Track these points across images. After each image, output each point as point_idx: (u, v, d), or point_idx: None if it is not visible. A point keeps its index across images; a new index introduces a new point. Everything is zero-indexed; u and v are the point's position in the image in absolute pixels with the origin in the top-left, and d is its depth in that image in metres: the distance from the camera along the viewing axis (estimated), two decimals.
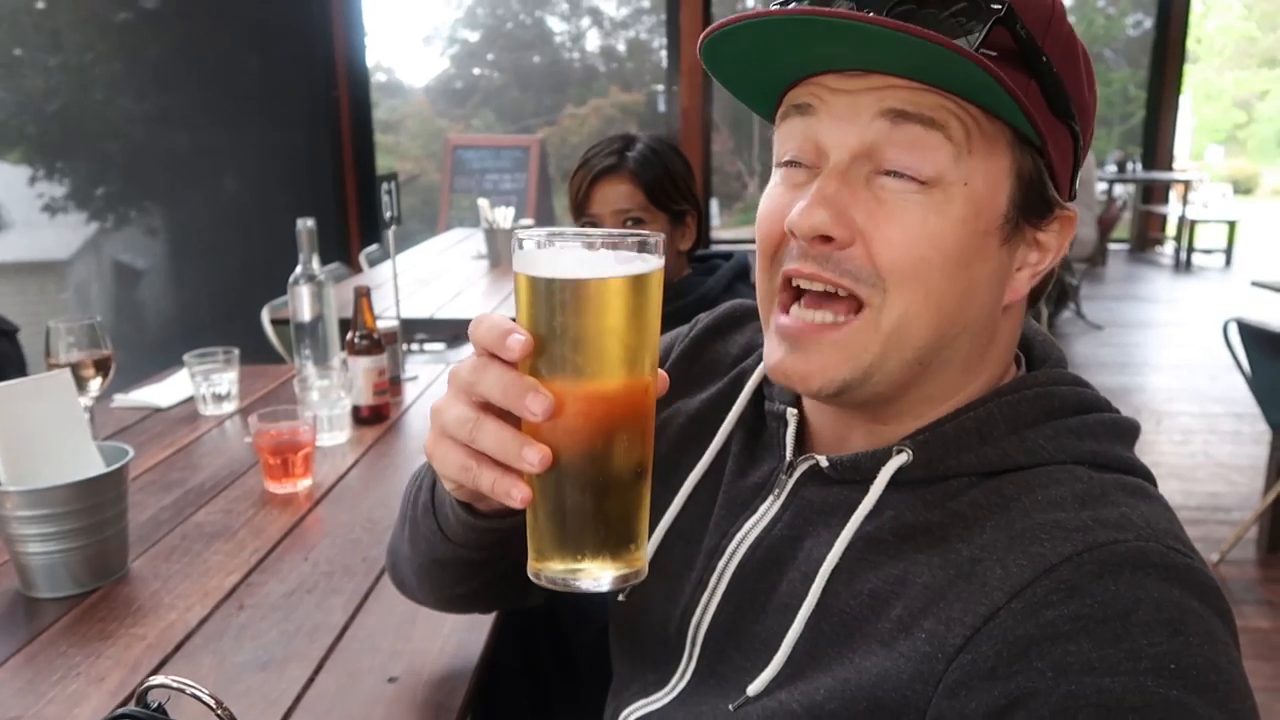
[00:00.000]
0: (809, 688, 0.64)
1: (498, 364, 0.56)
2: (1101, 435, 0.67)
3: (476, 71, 14.82)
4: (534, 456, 0.55)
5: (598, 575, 0.58)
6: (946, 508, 0.65)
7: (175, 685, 0.51)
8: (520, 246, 0.55)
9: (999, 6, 0.59)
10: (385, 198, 1.97)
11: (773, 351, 0.68)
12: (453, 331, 3.05)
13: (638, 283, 0.55)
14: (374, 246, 4.46)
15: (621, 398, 0.56)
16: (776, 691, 0.66)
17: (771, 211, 0.67)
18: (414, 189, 10.70)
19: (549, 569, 0.58)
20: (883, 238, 0.62)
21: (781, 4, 0.63)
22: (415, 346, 3.84)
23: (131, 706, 0.49)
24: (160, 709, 0.52)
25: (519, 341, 0.54)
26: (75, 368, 1.53)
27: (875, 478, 0.67)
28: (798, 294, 0.66)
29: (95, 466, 1.18)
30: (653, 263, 0.56)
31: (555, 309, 0.54)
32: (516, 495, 0.56)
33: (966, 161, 0.62)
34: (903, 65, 0.60)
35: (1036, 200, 0.65)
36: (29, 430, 1.15)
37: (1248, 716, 0.53)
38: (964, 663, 0.57)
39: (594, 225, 1.72)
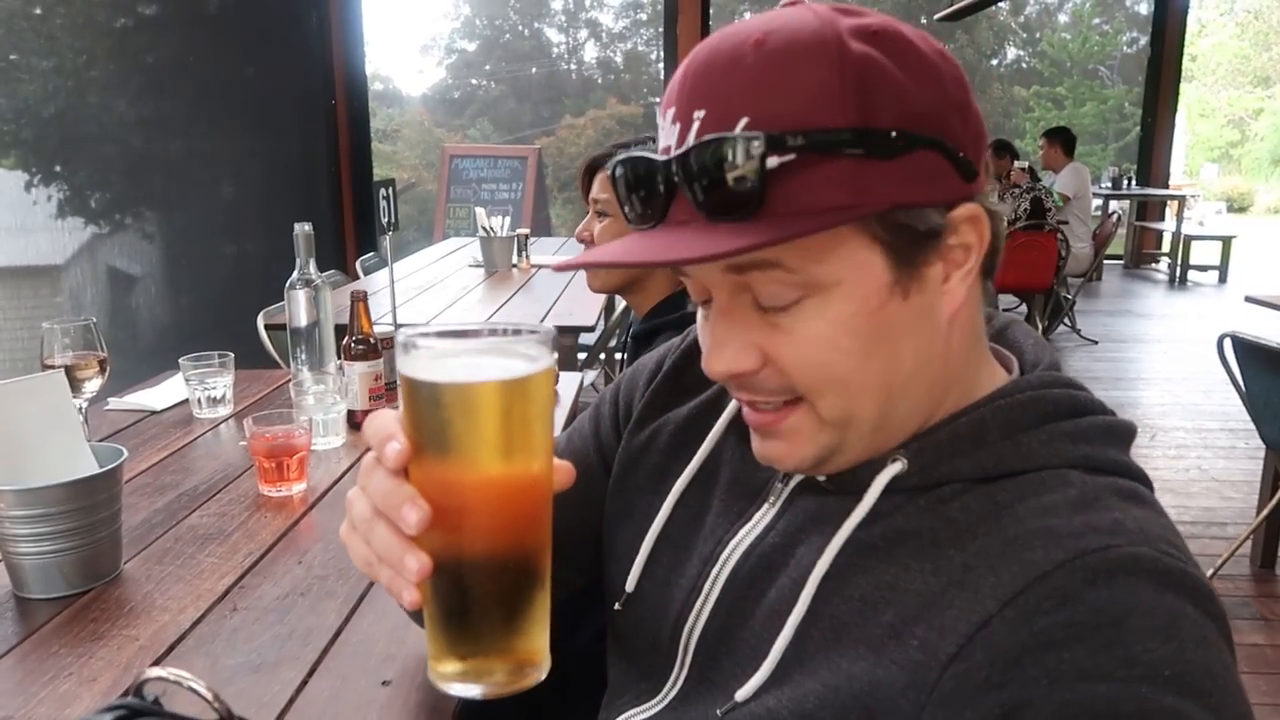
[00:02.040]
0: (798, 694, 0.64)
1: (381, 469, 0.57)
2: (1096, 438, 0.66)
3: (474, 82, 14.87)
4: (413, 565, 0.56)
5: (483, 680, 0.57)
6: (940, 513, 0.64)
7: (172, 678, 0.51)
8: (407, 349, 0.55)
9: (757, 142, 0.57)
10: (383, 204, 1.97)
11: (754, 440, 0.71)
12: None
13: (517, 386, 0.54)
14: (370, 254, 4.46)
15: (503, 502, 0.56)
16: (765, 698, 0.66)
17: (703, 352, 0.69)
18: (411, 198, 10.71)
19: (439, 670, 0.58)
20: (786, 356, 0.63)
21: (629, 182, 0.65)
22: None
23: (129, 698, 0.48)
24: (156, 702, 0.52)
25: (395, 450, 0.55)
26: (70, 369, 1.52)
27: (870, 486, 0.67)
28: None
29: (89, 467, 1.18)
30: (539, 364, 0.55)
31: (431, 413, 0.54)
32: (406, 598, 0.57)
33: (822, 269, 0.60)
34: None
35: (915, 242, 0.62)
36: (22, 430, 1.15)
37: None
38: (957, 672, 0.57)
39: (588, 212, 1.83)
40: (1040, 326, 5.78)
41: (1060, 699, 0.52)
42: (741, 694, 0.67)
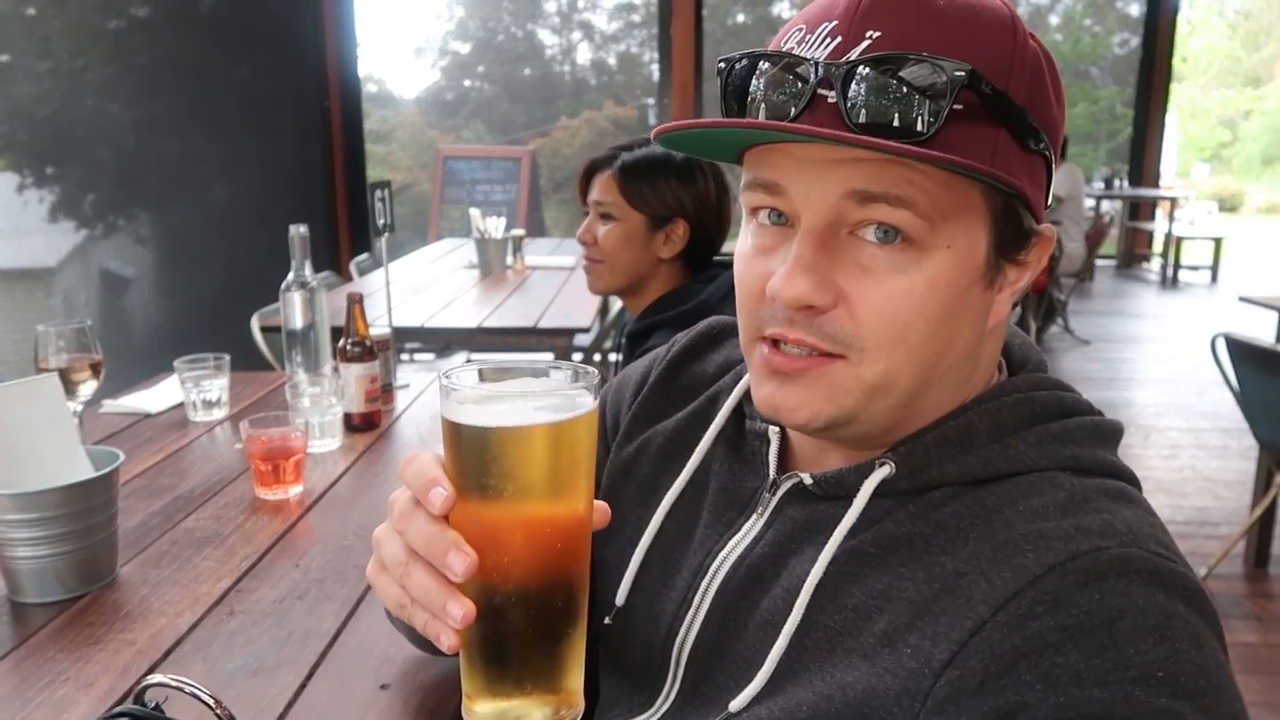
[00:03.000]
0: (791, 704, 0.64)
1: (423, 513, 0.57)
2: (1084, 439, 0.66)
3: (467, 83, 14.85)
4: (457, 612, 0.55)
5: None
6: (930, 519, 0.64)
7: (174, 684, 0.51)
8: (447, 390, 0.55)
9: (961, 74, 0.57)
10: (378, 205, 1.97)
11: (760, 385, 0.67)
12: (443, 340, 3.06)
13: (565, 430, 0.54)
14: (364, 256, 4.45)
15: (548, 546, 0.55)
16: (758, 709, 0.66)
17: (752, 273, 0.66)
18: (405, 199, 10.70)
19: (476, 710, 0.58)
20: (867, 303, 0.61)
21: (735, 87, 0.64)
22: (405, 356, 3.84)
23: (129, 705, 0.48)
24: (158, 708, 0.52)
25: (441, 496, 0.55)
26: (65, 372, 1.52)
27: (859, 491, 0.66)
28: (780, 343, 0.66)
29: (84, 471, 1.17)
30: (582, 406, 0.55)
31: (477, 457, 0.54)
32: (445, 642, 0.57)
33: (942, 227, 0.61)
34: (867, 151, 0.59)
35: (1015, 236, 0.65)
36: (17, 434, 1.14)
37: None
38: (951, 678, 0.57)
39: (587, 214, 1.80)
40: (1034, 327, 5.80)
41: (1055, 703, 0.52)
42: (735, 705, 0.66)
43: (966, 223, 0.62)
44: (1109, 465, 0.66)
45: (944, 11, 0.60)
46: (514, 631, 0.56)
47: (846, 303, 0.62)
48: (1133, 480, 0.67)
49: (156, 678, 0.52)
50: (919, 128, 0.58)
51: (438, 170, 8.02)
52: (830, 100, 0.59)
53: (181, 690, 0.52)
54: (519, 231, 4.05)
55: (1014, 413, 0.67)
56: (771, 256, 0.64)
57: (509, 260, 3.86)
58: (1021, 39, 0.62)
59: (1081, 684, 0.52)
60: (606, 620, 0.82)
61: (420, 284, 3.64)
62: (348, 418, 1.75)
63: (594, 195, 1.79)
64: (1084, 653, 0.53)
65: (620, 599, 0.80)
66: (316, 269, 1.86)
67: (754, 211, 0.66)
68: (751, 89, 0.63)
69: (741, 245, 0.68)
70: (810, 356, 0.64)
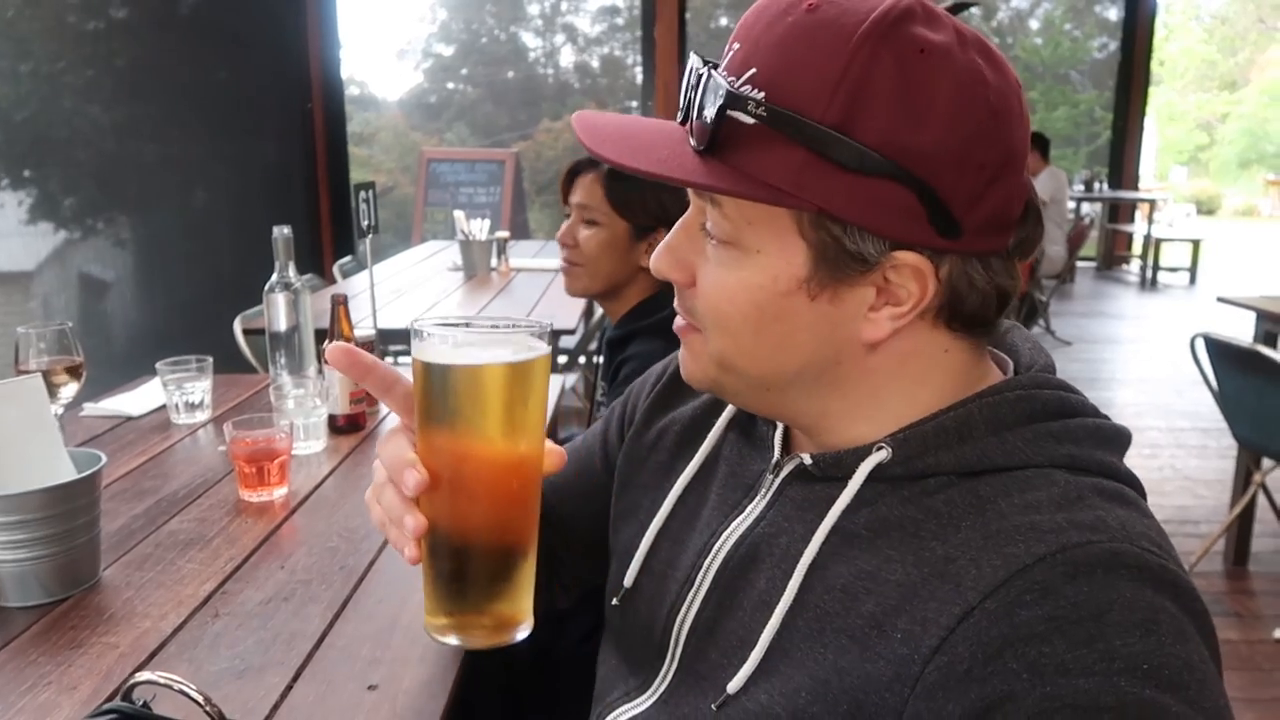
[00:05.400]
0: (790, 689, 0.64)
1: (398, 435, 0.69)
2: (1083, 439, 0.67)
3: (450, 86, 14.81)
4: (410, 524, 0.65)
5: (466, 634, 0.66)
6: (923, 505, 0.65)
7: (162, 682, 0.51)
8: (421, 335, 0.63)
9: (726, 89, 0.61)
10: (363, 206, 1.96)
11: None
12: None
13: (514, 370, 0.62)
14: (348, 258, 4.43)
15: (492, 475, 0.64)
16: (757, 692, 0.66)
17: None
18: (388, 201, 10.66)
19: (431, 621, 0.66)
20: (700, 287, 0.69)
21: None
22: (390, 359, 3.82)
23: (118, 702, 0.47)
24: (146, 706, 0.51)
25: (414, 479, 0.64)
26: (45, 374, 1.50)
27: (854, 473, 0.68)
28: None
29: (67, 473, 1.16)
30: (533, 352, 0.63)
31: (436, 392, 0.62)
32: (407, 554, 0.67)
33: (749, 230, 0.65)
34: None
35: (843, 259, 0.62)
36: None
37: (1221, 714, 0.54)
38: (940, 664, 0.57)
39: (568, 215, 1.76)
40: None
41: (1041, 693, 0.53)
42: (732, 686, 0.67)
43: (775, 233, 0.64)
44: (1107, 466, 0.66)
45: (788, 29, 0.61)
46: (461, 553, 0.64)
47: (696, 284, 0.69)
48: (1133, 484, 0.67)
49: (145, 675, 0.52)
50: (709, 145, 0.63)
51: (421, 173, 7.99)
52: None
53: (170, 688, 0.51)
54: (503, 234, 4.04)
55: (1014, 408, 0.67)
56: None
57: (494, 262, 3.86)
58: (865, 61, 0.58)
59: (1068, 674, 0.53)
60: (614, 601, 0.84)
61: (405, 286, 3.62)
62: (332, 419, 1.74)
63: (577, 198, 1.75)
64: (1071, 643, 0.54)
65: (629, 580, 0.83)
66: (300, 271, 1.85)
67: None
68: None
69: None
70: (686, 325, 0.72)
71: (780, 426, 0.77)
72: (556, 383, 2.14)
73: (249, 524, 1.38)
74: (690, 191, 0.70)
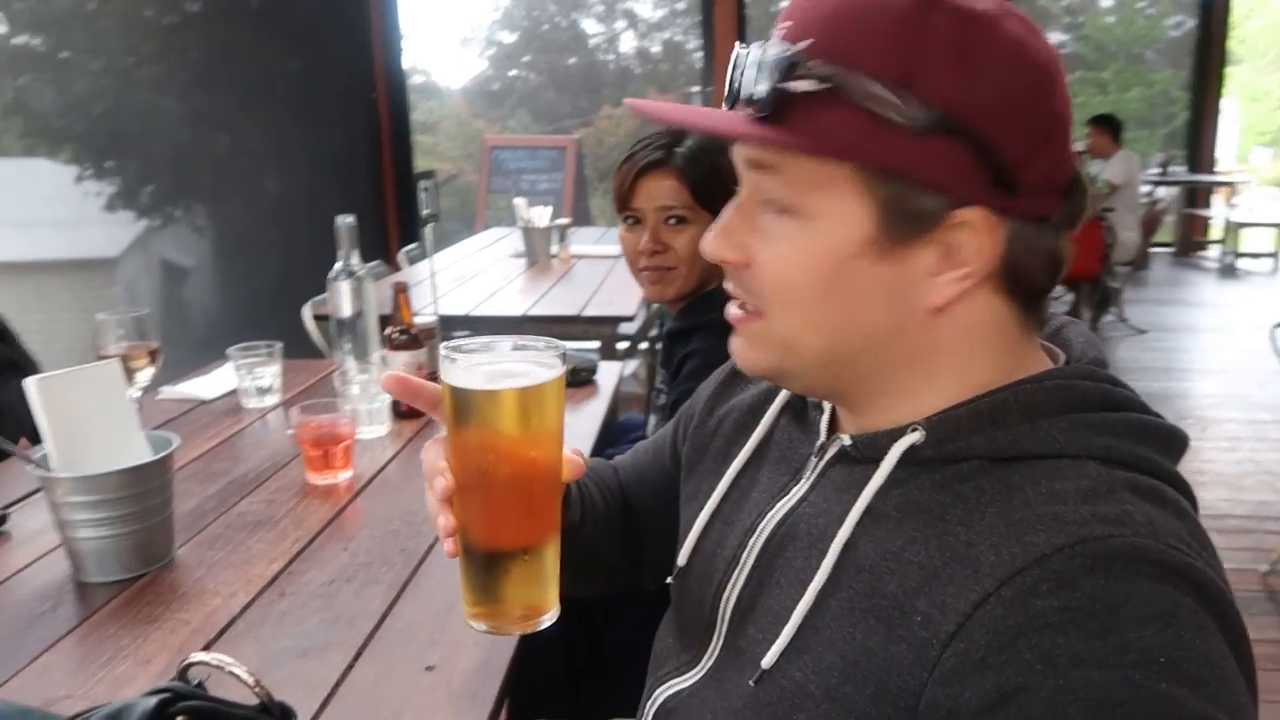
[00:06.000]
0: (822, 667, 0.65)
1: (436, 443, 0.75)
2: (1123, 433, 0.65)
3: (513, 73, 14.93)
4: (441, 523, 0.72)
5: (495, 622, 0.73)
6: (952, 490, 0.65)
7: (215, 663, 0.53)
8: (446, 360, 0.69)
9: (792, 53, 0.62)
10: (423, 195, 2.00)
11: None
12: (491, 329, 3.10)
13: (522, 394, 0.69)
14: (413, 245, 4.50)
15: (508, 486, 0.70)
16: (791, 670, 0.67)
17: None
18: (452, 189, 10.79)
19: (466, 609, 0.73)
20: (760, 263, 0.68)
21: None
22: (452, 343, 3.88)
23: (173, 682, 0.50)
24: (201, 685, 0.53)
25: (440, 485, 0.71)
26: (123, 359, 1.56)
27: (887, 455, 0.68)
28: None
29: (142, 455, 1.21)
30: (547, 374, 0.69)
31: (457, 410, 0.69)
32: (446, 548, 0.73)
33: (812, 195, 0.64)
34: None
35: (905, 217, 0.63)
36: (78, 419, 1.18)
37: (1241, 712, 0.52)
38: (957, 650, 0.57)
39: (636, 221, 1.65)
40: (1088, 316, 5.69)
41: (1054, 686, 0.52)
42: (766, 661, 0.68)
43: (836, 196, 0.64)
44: (1147, 462, 0.64)
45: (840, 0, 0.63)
46: (486, 552, 0.72)
47: (753, 263, 0.68)
48: (1176, 483, 0.65)
49: (199, 656, 0.54)
50: (772, 113, 0.63)
51: (484, 160, 8.07)
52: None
53: (221, 669, 0.53)
54: (564, 220, 4.06)
55: (1051, 397, 0.66)
56: None
57: (554, 249, 3.88)
58: (922, 21, 0.61)
59: (1081, 665, 0.52)
60: (668, 580, 0.87)
61: (467, 273, 3.67)
62: (395, 405, 1.78)
63: (655, 201, 1.62)
64: (1085, 634, 0.53)
65: (682, 559, 0.85)
66: (366, 258, 1.89)
67: None
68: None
69: None
70: (745, 313, 0.71)
71: (827, 410, 0.78)
72: (615, 370, 2.16)
73: (315, 506, 1.42)
74: (741, 169, 0.69)
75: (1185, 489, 0.66)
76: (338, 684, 0.97)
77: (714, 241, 0.70)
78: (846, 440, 0.73)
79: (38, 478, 1.16)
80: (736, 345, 0.73)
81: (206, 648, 1.03)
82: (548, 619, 0.74)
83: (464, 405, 0.68)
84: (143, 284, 6.74)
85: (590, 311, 2.88)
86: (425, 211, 2.02)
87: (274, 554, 1.26)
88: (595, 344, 2.89)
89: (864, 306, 0.66)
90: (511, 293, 3.28)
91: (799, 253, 0.65)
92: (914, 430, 0.67)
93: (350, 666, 1.00)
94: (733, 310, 0.73)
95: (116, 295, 6.59)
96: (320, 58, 5.43)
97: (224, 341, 1.95)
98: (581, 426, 1.78)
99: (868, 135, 0.61)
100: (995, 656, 0.55)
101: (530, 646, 1.06)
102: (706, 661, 0.79)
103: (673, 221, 1.62)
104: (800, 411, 0.83)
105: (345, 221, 1.85)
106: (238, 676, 0.53)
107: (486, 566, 0.72)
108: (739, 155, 0.69)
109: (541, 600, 0.73)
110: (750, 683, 0.69)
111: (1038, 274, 0.67)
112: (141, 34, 5.70)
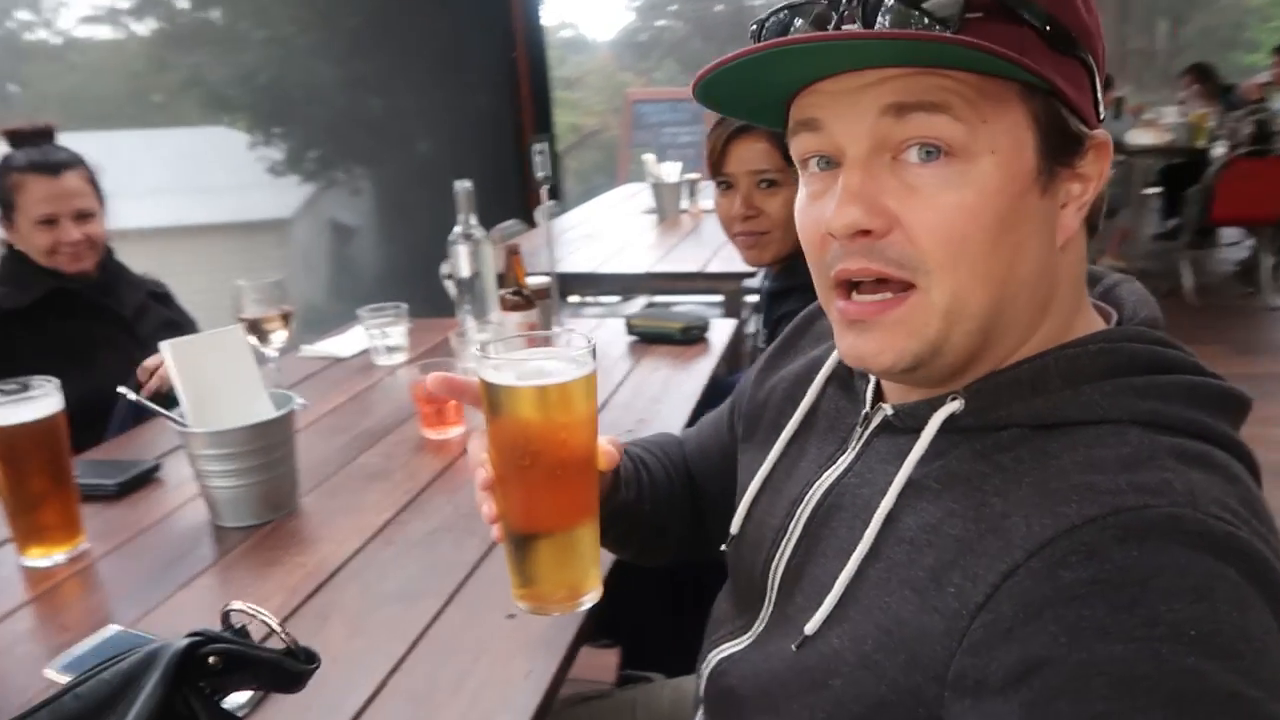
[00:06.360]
0: (858, 635, 0.66)
1: (478, 438, 0.79)
2: (1172, 396, 0.62)
3: (660, 23, 14.83)
4: (485, 511, 0.79)
5: (538, 603, 0.78)
6: (992, 460, 0.64)
7: (249, 611, 0.59)
8: (480, 358, 0.73)
9: None
10: (537, 158, 2.04)
11: (842, 337, 0.69)
12: (613, 286, 3.16)
13: (541, 392, 0.72)
14: (552, 203, 4.59)
15: (538, 478, 0.73)
16: (830, 636, 0.68)
17: (809, 222, 0.69)
18: (597, 144, 10.90)
19: (512, 590, 0.78)
20: (919, 222, 0.62)
21: (771, 34, 0.66)
22: (590, 299, 3.97)
23: (209, 629, 0.56)
24: (243, 630, 0.60)
25: (480, 476, 0.78)
26: (260, 322, 1.70)
27: (928, 424, 0.68)
28: (852, 287, 0.67)
29: (266, 412, 1.32)
30: (575, 371, 0.72)
31: (490, 404, 0.73)
32: (492, 534, 0.78)
33: (983, 130, 0.61)
34: (895, 59, 0.60)
35: (1063, 140, 0.63)
36: (208, 379, 1.30)
37: None
38: (985, 621, 0.57)
39: (729, 186, 1.66)
40: (1269, 264, 5.23)
41: (1077, 659, 0.51)
42: (809, 628, 0.69)
43: (1007, 124, 0.61)
44: (1197, 426, 0.61)
45: None
46: (525, 539, 0.76)
47: (901, 226, 0.62)
48: (1231, 446, 0.62)
49: (237, 604, 0.60)
50: (948, 21, 0.59)
51: (626, 114, 8.11)
52: (856, 30, 0.62)
53: (254, 618, 0.60)
54: (694, 175, 4.05)
55: (1095, 361, 0.64)
56: (825, 199, 0.66)
57: (684, 204, 3.89)
58: None
59: (1106, 639, 0.51)
60: (722, 548, 0.89)
61: (595, 230, 3.73)
62: None
63: (749, 165, 1.64)
64: (1111, 607, 0.52)
65: (735, 528, 0.87)
66: (506, 217, 1.96)
67: (804, 163, 0.69)
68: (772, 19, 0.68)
69: (798, 199, 0.71)
70: (883, 300, 0.65)
71: (873, 379, 0.77)
72: (729, 327, 2.16)
73: (427, 460, 1.51)
74: (868, 119, 0.62)
75: (1243, 453, 0.63)
76: (426, 628, 1.04)
77: (849, 211, 0.62)
78: (889, 410, 0.73)
79: (176, 432, 1.29)
80: (869, 343, 0.66)
81: (317, 589, 1.13)
82: (588, 599, 0.78)
83: (496, 401, 0.72)
84: (313, 243, 7.18)
85: (713, 268, 2.88)
86: (540, 174, 2.07)
87: (385, 504, 1.35)
88: (719, 298, 2.90)
89: (1029, 247, 0.64)
90: (638, 249, 3.31)
91: (974, 197, 0.61)
92: (953, 399, 0.67)
93: (439, 613, 1.07)
94: (853, 306, 0.66)
95: (289, 255, 7.05)
96: (467, 19, 5.56)
97: (385, 296, 2.06)
98: (687, 384, 1.81)
99: (1029, 53, 0.60)
100: (1022, 628, 0.54)
101: (602, 605, 1.10)
102: (758, 627, 0.81)
103: (765, 185, 1.63)
104: (846, 380, 0.83)
105: (463, 186, 1.92)
106: (267, 624, 0.59)
107: (525, 551, 0.76)
108: (872, 104, 0.61)
109: (581, 582, 0.77)
110: (792, 647, 0.71)
111: (1101, 203, 0.68)
112: (299, 4, 6.00)
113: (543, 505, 0.75)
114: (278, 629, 0.59)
